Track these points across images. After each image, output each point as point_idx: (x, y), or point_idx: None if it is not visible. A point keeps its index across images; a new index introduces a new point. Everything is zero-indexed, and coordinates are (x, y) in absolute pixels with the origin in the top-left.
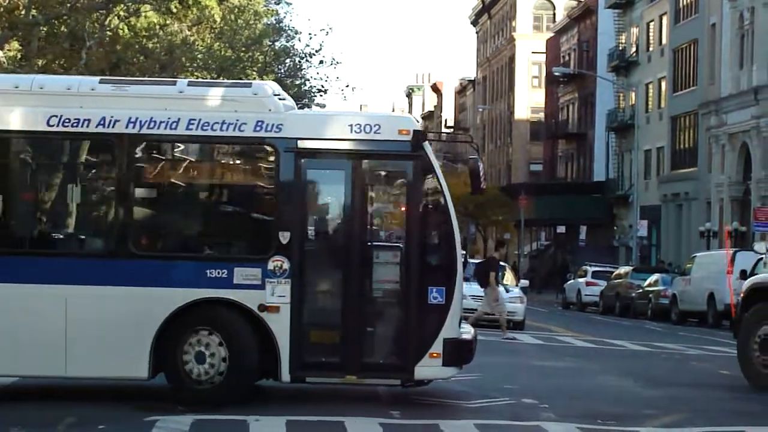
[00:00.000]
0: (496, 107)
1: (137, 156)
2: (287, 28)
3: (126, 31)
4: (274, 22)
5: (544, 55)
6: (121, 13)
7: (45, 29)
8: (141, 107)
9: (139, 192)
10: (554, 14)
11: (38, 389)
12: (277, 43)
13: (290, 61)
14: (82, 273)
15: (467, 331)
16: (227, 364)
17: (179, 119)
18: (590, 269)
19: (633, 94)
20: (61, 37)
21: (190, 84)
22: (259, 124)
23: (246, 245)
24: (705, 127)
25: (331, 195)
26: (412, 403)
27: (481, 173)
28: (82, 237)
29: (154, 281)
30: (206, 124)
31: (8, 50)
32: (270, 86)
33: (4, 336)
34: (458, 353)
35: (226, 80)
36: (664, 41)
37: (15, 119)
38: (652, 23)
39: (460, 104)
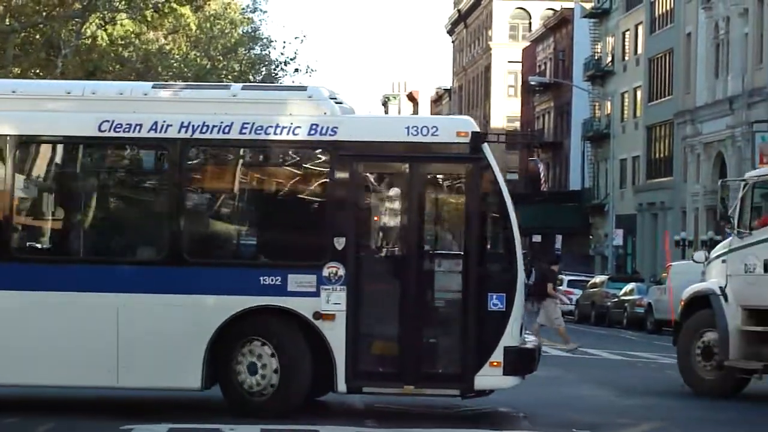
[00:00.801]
0: (472, 116)
1: (189, 161)
2: (262, 37)
3: (103, 38)
4: (250, 30)
5: (520, 64)
6: (97, 21)
7: (21, 37)
8: (194, 112)
9: (191, 198)
10: (530, 23)
11: (17, 397)
12: (252, 52)
13: (265, 69)
14: (133, 281)
15: (531, 340)
16: (279, 374)
17: (232, 123)
18: (566, 278)
19: (609, 104)
20: (37, 45)
21: (244, 88)
22: (314, 127)
23: (300, 251)
24: (680, 136)
25: (388, 199)
26: (387, 412)
27: (542, 175)
28: (134, 244)
29: (207, 289)
30: (260, 128)
31: None
32: (326, 89)
33: (56, 345)
34: (520, 362)
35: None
36: (639, 51)
37: (66, 124)
38: (627, 33)
39: (436, 113)
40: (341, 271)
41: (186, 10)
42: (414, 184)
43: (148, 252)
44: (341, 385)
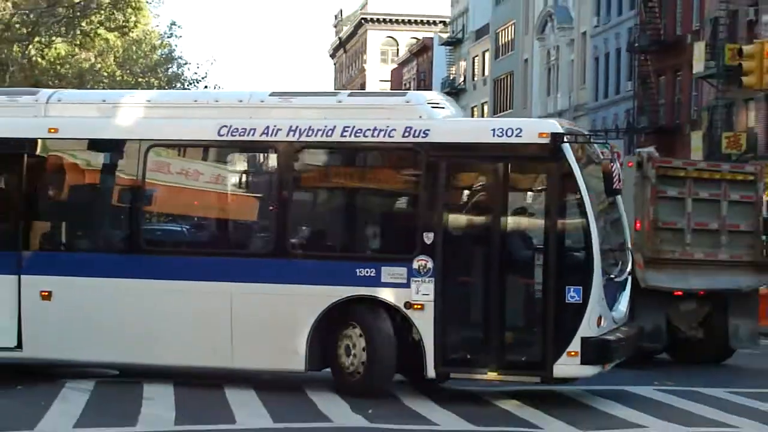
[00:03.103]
0: None
1: (296, 162)
2: (178, 58)
3: (42, 59)
4: (167, 52)
5: (389, 83)
6: (38, 45)
7: None
8: (303, 117)
9: (297, 196)
10: (398, 50)
11: None
12: (170, 70)
13: (180, 86)
14: (245, 272)
15: (622, 331)
16: (368, 358)
17: (335, 127)
18: None
19: None
20: None
21: (350, 95)
22: (408, 130)
23: (393, 246)
24: None
25: (473, 196)
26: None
27: (614, 175)
28: (245, 238)
29: (310, 279)
30: (359, 131)
31: None
32: (426, 95)
33: (180, 329)
34: (597, 352)
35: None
36: (486, 73)
37: (190, 129)
38: (476, 58)
39: None
40: (430, 264)
41: (113, 36)
42: (498, 182)
43: (258, 245)
44: (431, 372)
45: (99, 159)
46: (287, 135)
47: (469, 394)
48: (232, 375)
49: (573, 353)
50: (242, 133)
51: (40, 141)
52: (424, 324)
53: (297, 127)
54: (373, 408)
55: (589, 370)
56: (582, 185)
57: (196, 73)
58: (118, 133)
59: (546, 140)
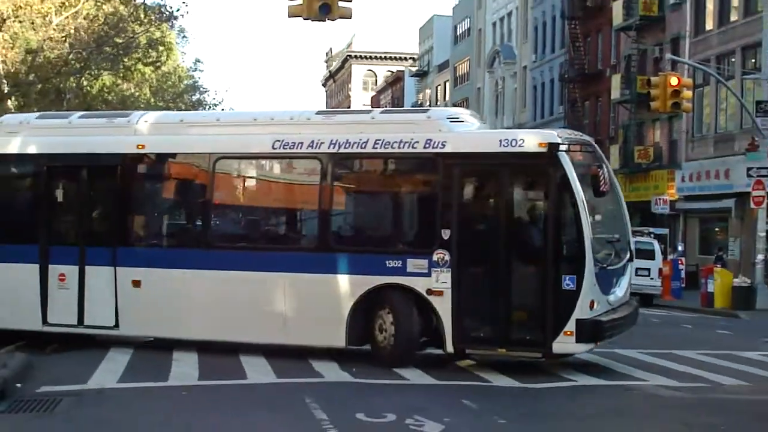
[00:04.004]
0: None
1: (336, 170)
2: (200, 87)
3: (89, 89)
4: (192, 82)
5: (370, 107)
6: (89, 76)
7: (39, 87)
8: (342, 132)
9: (337, 199)
10: (376, 80)
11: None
12: (193, 97)
13: (202, 109)
14: (296, 263)
15: (617, 312)
16: (396, 335)
17: (368, 140)
18: None
19: None
20: (49, 92)
21: (381, 112)
22: (428, 141)
23: (416, 241)
24: None
25: (483, 197)
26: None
27: (601, 178)
28: (295, 236)
29: (349, 270)
30: (387, 143)
31: (11, 102)
32: (448, 111)
33: (243, 311)
34: (590, 332)
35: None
36: (447, 98)
37: (249, 144)
38: (439, 87)
39: None
40: (447, 257)
41: (148, 70)
42: (504, 185)
43: (305, 241)
44: (449, 348)
45: (176, 170)
46: (329, 147)
47: (440, 358)
48: (267, 349)
49: (569, 333)
50: (292, 146)
51: (130, 155)
52: (443, 307)
53: (337, 140)
54: (357, 368)
55: (583, 347)
56: (576, 187)
57: (214, 99)
58: (191, 147)
59: (544, 149)
